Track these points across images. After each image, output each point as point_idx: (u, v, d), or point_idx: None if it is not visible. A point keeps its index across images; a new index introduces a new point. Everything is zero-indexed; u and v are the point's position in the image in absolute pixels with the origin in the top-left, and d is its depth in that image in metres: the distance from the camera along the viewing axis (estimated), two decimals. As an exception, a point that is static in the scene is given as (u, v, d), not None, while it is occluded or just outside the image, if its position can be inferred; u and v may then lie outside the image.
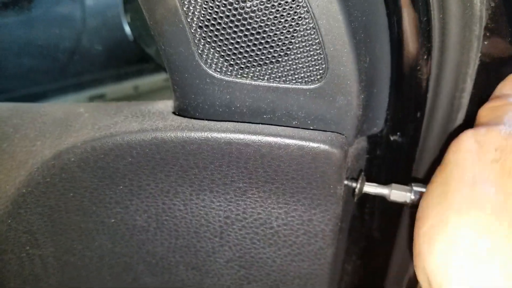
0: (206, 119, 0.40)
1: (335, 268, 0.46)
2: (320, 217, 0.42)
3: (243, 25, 0.35)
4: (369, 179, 0.45)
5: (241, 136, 0.37)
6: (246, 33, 0.35)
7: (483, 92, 0.46)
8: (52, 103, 0.49)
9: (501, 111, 0.36)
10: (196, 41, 0.36)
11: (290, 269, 0.45)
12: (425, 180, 0.50)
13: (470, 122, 0.48)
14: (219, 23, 0.35)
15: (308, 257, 0.44)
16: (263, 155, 0.38)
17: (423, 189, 0.42)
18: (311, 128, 0.40)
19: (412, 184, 0.42)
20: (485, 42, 0.43)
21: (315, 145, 0.37)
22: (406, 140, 0.46)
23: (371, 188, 0.43)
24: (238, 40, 0.35)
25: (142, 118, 0.41)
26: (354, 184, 0.43)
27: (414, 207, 0.39)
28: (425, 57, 0.41)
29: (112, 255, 0.48)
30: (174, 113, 0.43)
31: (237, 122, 0.39)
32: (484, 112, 0.39)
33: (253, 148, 0.38)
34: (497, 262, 0.27)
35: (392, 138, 0.46)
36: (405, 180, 0.50)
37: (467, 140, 0.34)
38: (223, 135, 0.37)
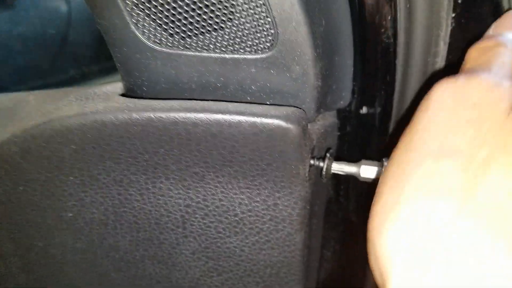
0: (153, 99, 0.37)
1: (308, 254, 0.43)
2: (285, 200, 0.39)
3: None
4: (342, 158, 0.42)
5: (188, 114, 0.34)
6: None
7: (459, 56, 0.43)
8: (4, 93, 0.47)
9: (490, 54, 0.29)
10: (129, 10, 0.33)
11: (260, 258, 0.42)
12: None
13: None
14: None
15: (277, 244, 0.41)
16: (214, 134, 0.35)
17: None
18: (267, 103, 0.37)
19: (384, 159, 0.39)
20: (458, 1, 0.39)
21: (268, 121, 0.34)
22: (378, 112, 0.43)
23: (339, 167, 0.40)
24: (174, 5, 0.32)
25: (85, 101, 0.38)
26: (321, 164, 0.39)
27: None
28: (389, 17, 0.37)
29: (74, 251, 0.45)
30: (123, 95, 0.40)
31: (186, 100, 0.36)
32: (473, 53, 0.32)
33: (202, 127, 0.34)
34: (452, 259, 0.22)
35: (362, 112, 0.43)
36: (381, 156, 0.46)
37: (440, 94, 0.27)
38: (168, 114, 0.34)
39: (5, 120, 0.41)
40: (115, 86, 0.40)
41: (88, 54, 1.04)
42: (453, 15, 0.40)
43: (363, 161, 0.39)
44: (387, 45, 0.39)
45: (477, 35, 0.42)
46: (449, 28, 0.41)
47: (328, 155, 0.40)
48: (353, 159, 0.45)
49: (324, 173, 0.39)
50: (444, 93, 0.27)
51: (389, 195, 0.25)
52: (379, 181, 0.28)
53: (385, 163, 0.38)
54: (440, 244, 0.22)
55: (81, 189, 0.41)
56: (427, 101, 0.28)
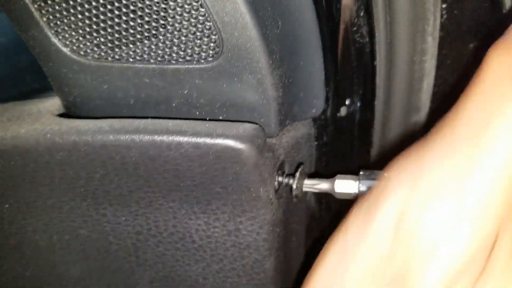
0: (88, 117, 0.32)
1: (284, 278, 0.38)
2: (248, 225, 0.34)
3: None
4: (319, 172, 0.37)
5: (118, 136, 0.29)
6: (104, 1, 0.26)
7: (451, 51, 0.37)
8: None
9: None
10: (46, 20, 0.28)
11: (226, 286, 0.37)
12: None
13: (441, 92, 0.38)
14: None
15: (243, 271, 0.36)
16: (152, 157, 0.30)
17: (374, 176, 0.32)
18: (220, 118, 0.31)
19: (361, 171, 0.32)
20: (447, -12, 0.33)
21: (214, 141, 0.28)
22: (357, 120, 0.37)
23: (312, 184, 0.34)
24: (96, 12, 0.27)
25: (14, 121, 0.33)
26: (290, 181, 0.34)
27: None
28: (362, 13, 0.31)
29: (25, 279, 0.41)
30: (61, 114, 0.34)
31: (124, 118, 0.31)
32: (498, 57, 0.22)
33: (136, 150, 0.29)
34: None
35: (340, 120, 0.37)
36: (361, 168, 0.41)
37: (388, 200, 0.22)
38: (94, 137, 0.29)
39: None
40: (54, 102, 0.35)
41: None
42: (444, 6, 0.34)
43: (338, 175, 0.33)
44: (361, 45, 0.33)
45: (474, 29, 0.36)
46: (438, 21, 0.35)
47: (298, 171, 0.34)
48: (333, 172, 0.39)
49: (294, 192, 0.34)
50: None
51: None
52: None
53: (362, 176, 0.32)
54: None
55: (20, 216, 0.36)
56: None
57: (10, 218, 0.36)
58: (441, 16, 0.35)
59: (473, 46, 0.37)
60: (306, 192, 0.36)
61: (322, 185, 0.34)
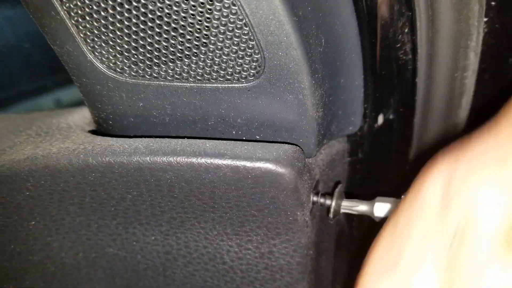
0: (121, 134, 0.31)
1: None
2: (282, 248, 0.32)
3: (137, 8, 0.25)
4: (352, 190, 0.36)
5: (155, 158, 0.28)
6: (143, 18, 0.25)
7: (493, 68, 0.36)
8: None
9: None
10: (82, 36, 0.27)
11: None
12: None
13: (479, 109, 0.37)
14: (104, 9, 0.25)
15: None
16: (189, 181, 0.28)
17: None
18: (257, 138, 0.30)
19: (402, 196, 0.31)
20: (492, 3, 0.32)
21: (254, 165, 0.27)
22: (395, 137, 0.36)
23: (350, 205, 0.33)
24: (135, 29, 0.26)
25: (44, 137, 0.32)
26: (327, 202, 0.33)
27: None
28: (406, 30, 0.30)
29: None
30: (92, 130, 0.33)
31: (158, 137, 0.30)
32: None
33: (172, 173, 0.28)
34: None
35: (376, 137, 0.36)
36: (398, 188, 0.40)
37: (435, 181, 0.24)
38: (130, 159, 0.28)
39: None
40: (84, 115, 0.34)
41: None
42: (485, 20, 0.33)
43: (378, 198, 0.32)
44: (404, 62, 0.32)
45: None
46: (481, 37, 0.33)
47: (336, 191, 0.33)
48: (366, 190, 0.38)
49: (331, 214, 0.33)
50: (432, 186, 0.24)
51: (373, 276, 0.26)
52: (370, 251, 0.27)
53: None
54: None
55: (46, 234, 0.35)
56: (419, 187, 0.25)
57: (35, 235, 0.35)
58: (483, 30, 0.34)
59: (512, 61, 0.36)
60: (327, 214, 0.35)
61: (361, 207, 0.32)
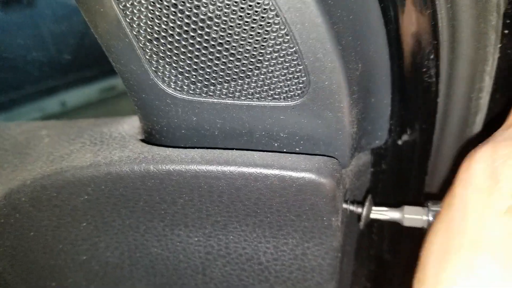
0: (173, 145, 0.34)
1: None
2: (315, 250, 0.36)
3: (200, 35, 0.28)
4: (375, 197, 0.39)
5: (210, 167, 0.31)
6: (205, 44, 0.29)
7: (505, 90, 0.39)
8: (18, 122, 0.44)
9: None
10: (147, 57, 0.30)
11: None
12: (440, 196, 0.43)
13: (491, 126, 0.40)
14: (171, 35, 0.28)
15: None
16: (238, 188, 0.32)
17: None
18: (297, 150, 0.34)
19: (429, 203, 0.35)
20: (505, 32, 0.35)
21: (299, 174, 0.31)
22: (416, 151, 0.40)
23: (380, 214, 0.36)
24: (196, 53, 0.29)
25: (100, 145, 0.35)
26: (359, 209, 0.36)
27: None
28: (432, 56, 0.34)
29: None
30: (141, 139, 0.37)
31: (208, 148, 0.33)
32: None
33: (225, 181, 0.31)
34: None
35: (399, 150, 0.39)
36: (417, 197, 0.43)
37: (478, 170, 0.26)
38: (188, 167, 0.31)
39: (16, 159, 0.38)
40: (133, 126, 0.37)
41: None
42: (499, 46, 0.37)
43: (405, 207, 0.35)
44: (428, 84, 0.35)
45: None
46: (496, 62, 0.37)
47: (368, 200, 0.36)
48: (388, 199, 0.41)
49: (363, 220, 0.36)
50: (482, 169, 0.26)
51: (430, 274, 0.26)
52: (422, 255, 0.28)
53: (431, 208, 0.34)
54: None
55: (95, 234, 0.38)
56: (464, 174, 0.27)
57: (84, 235, 0.38)
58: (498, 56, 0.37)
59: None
60: (359, 220, 0.38)
61: (391, 214, 0.36)
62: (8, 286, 0.43)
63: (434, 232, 0.28)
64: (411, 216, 0.35)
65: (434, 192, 0.42)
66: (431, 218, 0.33)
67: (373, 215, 0.36)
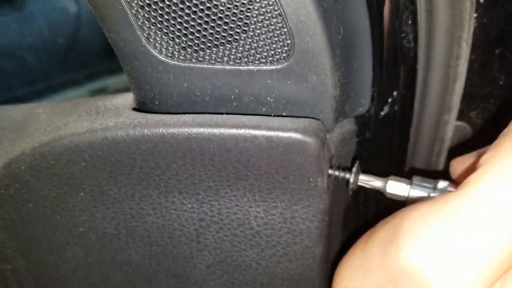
0: (164, 112, 0.36)
1: (326, 266, 0.41)
2: (303, 213, 0.37)
3: (190, 0, 0.30)
4: (361, 165, 0.41)
5: (201, 129, 0.33)
6: (194, 9, 0.30)
7: (483, 57, 0.41)
8: (14, 105, 0.45)
9: None
10: (140, 24, 0.31)
11: (277, 271, 0.41)
12: (423, 163, 0.45)
13: (469, 94, 0.42)
14: (162, 1, 0.30)
15: (295, 257, 0.40)
16: (229, 149, 0.33)
17: (424, 184, 0.35)
18: (284, 114, 0.35)
19: (413, 177, 0.36)
20: (480, 0, 0.37)
21: (285, 134, 0.32)
22: (398, 118, 0.41)
23: (366, 180, 0.38)
24: (187, 18, 0.31)
25: (95, 115, 0.37)
26: (347, 175, 0.38)
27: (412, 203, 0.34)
28: (410, 21, 0.35)
29: (86, 265, 0.44)
30: (134, 108, 0.38)
31: (199, 113, 0.35)
32: None
33: (216, 142, 0.33)
34: None
35: (381, 118, 0.41)
36: (401, 164, 0.45)
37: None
38: (180, 130, 0.33)
39: (14, 135, 0.39)
40: (126, 99, 0.39)
41: (98, 54, 1.02)
42: (475, 15, 0.38)
43: (391, 176, 0.37)
44: (407, 50, 0.37)
45: (500, 36, 0.40)
46: (471, 29, 0.39)
47: (356, 166, 0.38)
48: (372, 167, 0.43)
49: (351, 185, 0.38)
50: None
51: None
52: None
53: (414, 182, 0.36)
54: None
55: (92, 204, 0.39)
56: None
57: (82, 206, 0.40)
58: (474, 24, 0.39)
59: (499, 52, 0.41)
60: (347, 186, 0.40)
61: (376, 183, 0.37)
62: (8, 261, 0.44)
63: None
64: (393, 188, 0.36)
65: (417, 159, 0.44)
66: (412, 193, 0.35)
67: (360, 182, 0.37)
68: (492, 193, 0.25)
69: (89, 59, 1.03)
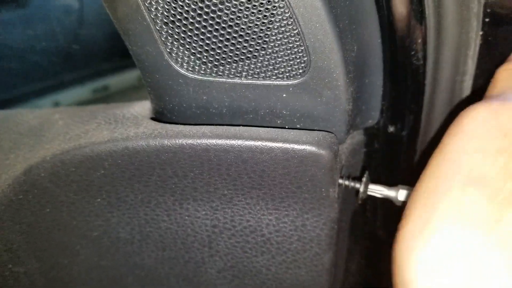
0: (183, 123, 0.37)
1: (334, 273, 0.43)
2: (313, 221, 0.39)
3: (212, 18, 0.31)
4: (369, 175, 0.42)
5: (219, 141, 0.34)
6: (216, 27, 0.31)
7: (487, 73, 0.43)
8: (29, 109, 0.47)
9: None
10: (163, 39, 0.33)
11: (286, 277, 0.42)
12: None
13: (474, 107, 0.44)
14: (186, 18, 0.31)
15: (304, 264, 0.41)
16: (245, 160, 0.35)
17: None
18: (298, 126, 0.37)
19: None
20: (486, 20, 0.39)
21: (300, 147, 0.34)
22: (406, 130, 0.43)
23: (376, 189, 0.39)
24: (209, 35, 0.32)
25: (114, 124, 0.38)
26: (357, 185, 0.39)
27: None
28: (420, 40, 0.37)
29: (99, 269, 0.45)
30: (152, 118, 0.39)
31: (217, 125, 0.36)
32: (503, 75, 0.32)
33: (233, 154, 0.34)
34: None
35: (390, 130, 0.42)
36: (406, 173, 0.46)
37: (472, 120, 0.27)
38: (199, 141, 0.34)
39: (32, 141, 0.40)
40: (143, 108, 0.40)
41: (100, 52, 1.03)
42: (481, 33, 0.40)
43: (400, 185, 0.38)
44: (417, 67, 0.38)
45: (504, 52, 0.42)
46: (478, 47, 0.40)
47: (365, 176, 0.39)
48: (379, 177, 0.45)
49: (361, 195, 0.39)
50: (475, 118, 0.28)
51: (417, 222, 0.26)
52: (407, 204, 0.28)
53: None
54: (466, 273, 0.23)
55: (108, 210, 0.41)
56: (458, 126, 0.28)
57: (98, 211, 0.41)
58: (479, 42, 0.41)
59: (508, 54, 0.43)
60: (356, 195, 0.41)
61: (386, 192, 0.39)
62: (22, 263, 0.45)
63: (420, 182, 0.28)
64: (405, 196, 0.37)
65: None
66: None
67: (369, 192, 0.39)
68: None
69: (91, 58, 1.04)
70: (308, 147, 0.34)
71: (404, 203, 0.37)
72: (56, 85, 1.04)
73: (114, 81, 1.08)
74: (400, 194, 0.37)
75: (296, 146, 0.34)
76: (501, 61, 0.43)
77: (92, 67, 1.07)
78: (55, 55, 0.97)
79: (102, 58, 1.05)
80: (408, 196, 0.37)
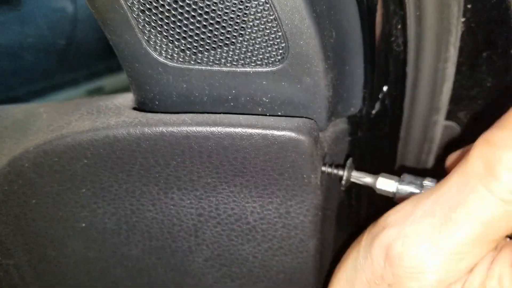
0: (165, 112, 0.37)
1: (320, 259, 0.43)
2: (297, 208, 0.39)
3: (188, 5, 0.31)
4: (353, 163, 0.42)
5: (199, 128, 0.34)
6: (193, 13, 0.32)
7: (471, 60, 0.43)
8: (15, 104, 0.47)
9: None
10: (141, 27, 0.33)
11: (272, 264, 0.43)
12: (413, 161, 0.47)
13: (457, 95, 0.44)
14: (162, 5, 0.32)
15: (289, 250, 0.41)
16: (226, 147, 0.35)
17: (412, 181, 0.37)
18: (279, 114, 0.37)
19: (403, 174, 0.38)
20: (468, 6, 0.39)
21: (280, 133, 0.34)
22: (389, 119, 0.43)
23: (358, 176, 0.39)
24: (185, 22, 0.32)
25: (97, 115, 0.38)
26: (340, 172, 0.39)
27: (401, 200, 0.35)
28: (399, 26, 0.37)
29: (87, 260, 0.46)
30: (134, 108, 0.40)
31: (198, 113, 0.36)
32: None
33: (213, 140, 0.34)
34: None
35: (373, 118, 0.43)
36: (391, 162, 0.47)
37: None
38: (179, 128, 0.34)
39: (17, 134, 0.41)
40: (126, 99, 0.40)
41: (94, 53, 1.03)
42: (463, 20, 0.40)
43: (382, 174, 0.38)
44: (397, 53, 0.39)
45: (487, 39, 0.42)
46: (459, 34, 0.41)
47: (349, 163, 0.40)
48: (364, 165, 0.45)
49: (344, 181, 0.39)
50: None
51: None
52: None
53: (403, 179, 0.37)
54: None
55: (93, 201, 0.41)
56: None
57: (83, 202, 0.41)
58: (461, 29, 0.41)
59: (486, 55, 0.43)
60: (340, 183, 0.41)
61: (366, 179, 0.39)
62: (10, 256, 0.45)
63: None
64: (382, 184, 0.38)
65: (408, 157, 0.46)
66: (400, 189, 0.36)
67: (352, 178, 0.39)
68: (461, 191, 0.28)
69: (86, 59, 1.05)
70: (287, 133, 0.34)
71: (382, 191, 0.37)
72: (50, 86, 1.04)
73: (108, 82, 1.09)
74: (378, 182, 0.37)
75: (275, 132, 0.34)
76: (485, 48, 0.43)
77: (87, 68, 1.07)
78: (49, 56, 0.97)
79: (97, 59, 1.06)
80: (389, 185, 0.37)
